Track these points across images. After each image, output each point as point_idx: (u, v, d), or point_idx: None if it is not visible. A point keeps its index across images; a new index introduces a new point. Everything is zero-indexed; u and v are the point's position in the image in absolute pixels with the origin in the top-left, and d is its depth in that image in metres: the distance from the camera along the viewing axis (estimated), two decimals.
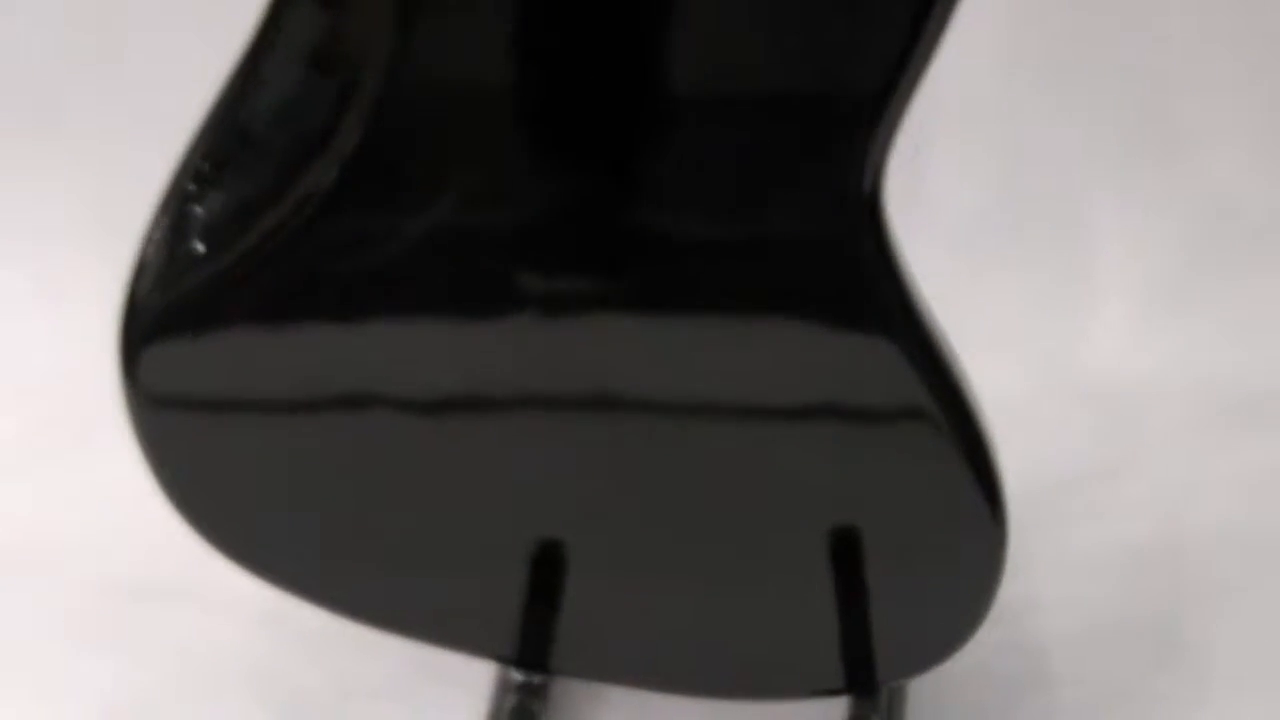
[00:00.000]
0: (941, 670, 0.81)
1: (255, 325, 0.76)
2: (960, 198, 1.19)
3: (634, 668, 0.84)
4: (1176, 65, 1.19)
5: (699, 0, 0.72)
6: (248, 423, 0.78)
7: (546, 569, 0.80)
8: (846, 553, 0.78)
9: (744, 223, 0.74)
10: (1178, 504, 1.02)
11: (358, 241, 0.75)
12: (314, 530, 0.81)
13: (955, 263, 1.14)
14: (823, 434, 0.77)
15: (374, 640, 0.85)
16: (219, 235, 0.76)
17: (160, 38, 1.16)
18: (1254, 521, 1.01)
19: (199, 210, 0.76)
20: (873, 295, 0.74)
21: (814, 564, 0.78)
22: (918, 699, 0.90)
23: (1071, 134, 1.19)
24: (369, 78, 0.73)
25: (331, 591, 0.83)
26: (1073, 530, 0.99)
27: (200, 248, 0.76)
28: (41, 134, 1.18)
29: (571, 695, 0.91)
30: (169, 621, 0.95)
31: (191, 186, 0.76)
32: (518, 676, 0.90)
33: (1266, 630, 0.94)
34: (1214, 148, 1.19)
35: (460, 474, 0.78)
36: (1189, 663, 0.93)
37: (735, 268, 0.75)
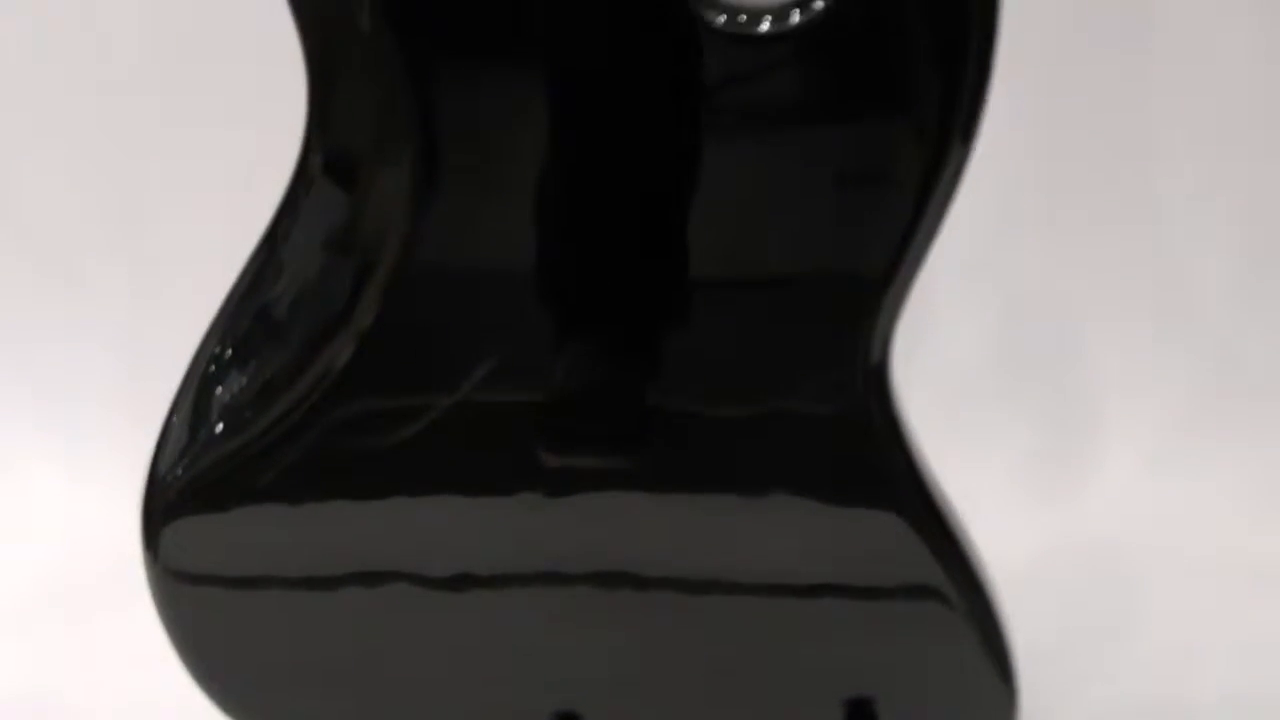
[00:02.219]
0: None
1: (274, 502, 0.77)
2: (960, 352, 1.19)
3: None
4: (1178, 219, 1.19)
5: (710, 186, 0.73)
6: (268, 597, 0.78)
7: None
8: None
9: (754, 400, 0.75)
10: (1182, 666, 1.02)
11: (375, 418, 0.76)
12: (335, 703, 0.81)
13: (956, 419, 1.15)
14: (835, 608, 0.77)
15: None
16: (239, 414, 0.77)
17: (184, 212, 1.18)
18: (1258, 686, 1.00)
19: (220, 390, 0.77)
20: (881, 469, 0.75)
21: None
22: None
23: (1072, 287, 1.19)
24: (386, 258, 0.74)
25: None
26: (1079, 691, 0.99)
27: (221, 427, 0.77)
28: (70, 298, 1.19)
29: None
30: None
31: (212, 368, 0.77)
32: None
33: None
34: (1215, 303, 1.19)
35: (479, 647, 0.79)
36: None
37: (746, 444, 0.76)
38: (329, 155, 0.75)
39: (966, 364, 1.19)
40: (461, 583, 0.78)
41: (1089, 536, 1.12)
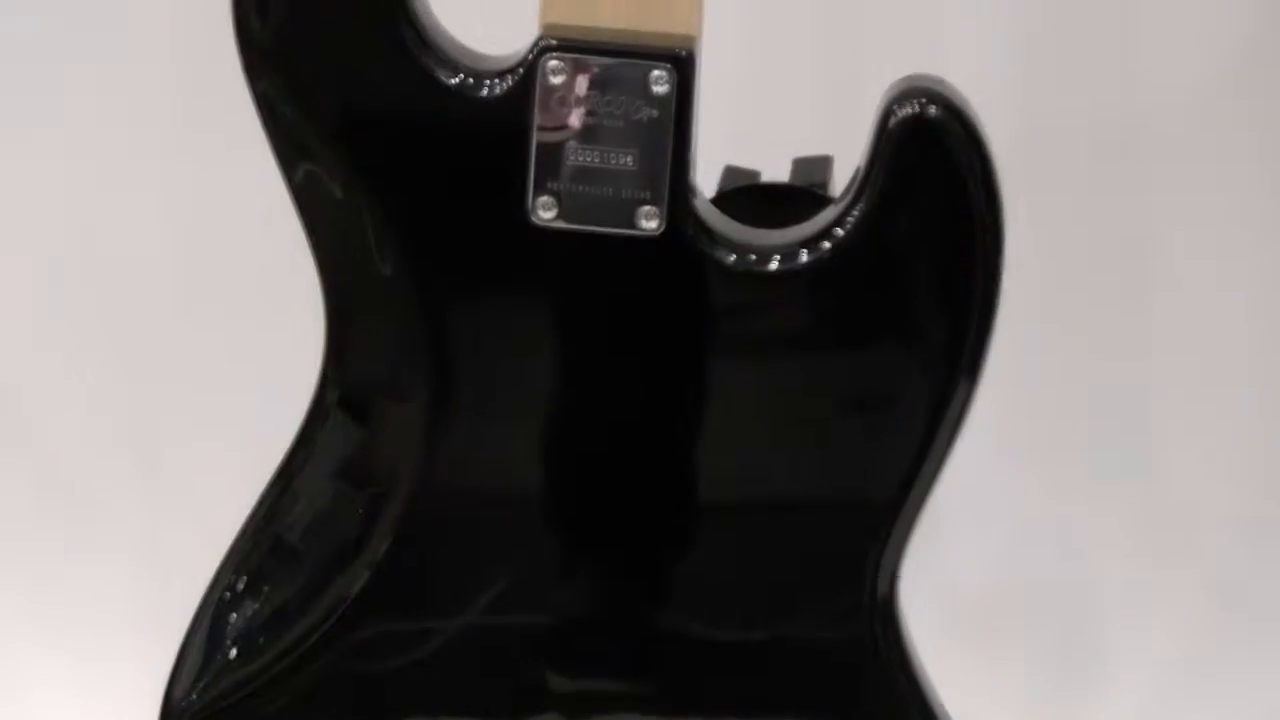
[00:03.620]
0: None
1: None
2: (965, 582, 1.18)
3: None
4: (1179, 447, 1.19)
5: (717, 414, 0.74)
6: None
7: None
8: None
9: (761, 627, 0.75)
10: None
11: (386, 643, 0.76)
12: None
13: (959, 651, 1.12)
14: None
15: None
16: (253, 641, 0.77)
17: (198, 447, 1.18)
18: None
19: (234, 617, 0.77)
20: (889, 699, 0.75)
21: None
22: None
23: (1075, 517, 1.19)
24: (400, 490, 0.74)
25: None
26: None
27: (235, 653, 0.77)
28: (86, 529, 1.17)
29: None
30: None
31: (227, 595, 0.77)
32: None
33: None
34: (1216, 531, 1.19)
35: None
36: None
37: (752, 670, 0.75)
38: (345, 390, 0.76)
39: (971, 593, 1.17)
40: None
41: None
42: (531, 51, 0.71)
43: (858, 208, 0.71)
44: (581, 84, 0.71)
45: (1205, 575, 1.18)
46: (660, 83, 0.71)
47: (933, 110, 0.70)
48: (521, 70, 0.71)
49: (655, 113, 0.71)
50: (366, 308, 0.74)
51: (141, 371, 1.18)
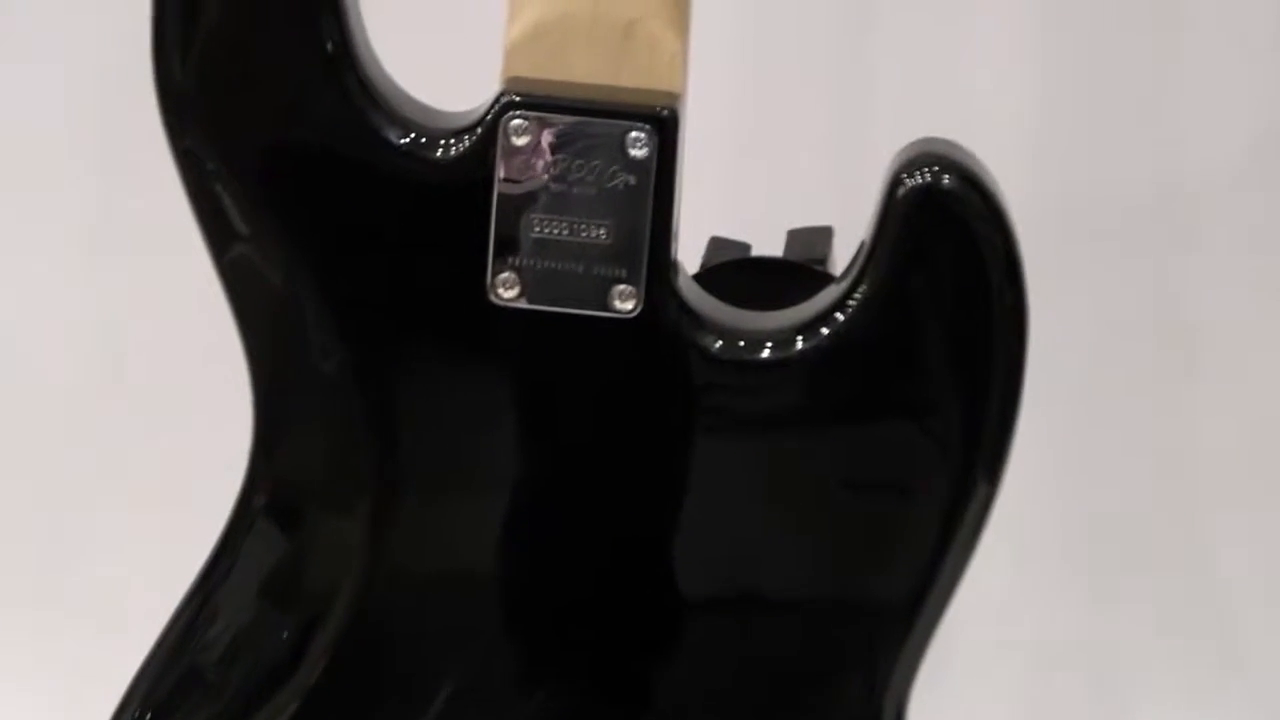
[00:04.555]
0: None
1: None
2: (987, 711, 1.17)
3: None
4: (1215, 567, 1.18)
5: (704, 518, 0.72)
6: None
7: None
8: None
9: None
10: None
11: None
12: None
13: None
14: None
15: None
16: None
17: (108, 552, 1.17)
18: None
19: None
20: None
21: None
22: None
23: (1106, 630, 1.18)
24: (336, 607, 0.72)
25: None
26: None
27: None
28: None
29: None
30: None
31: None
32: None
33: None
34: (1254, 656, 1.18)
35: None
36: None
37: None
38: (274, 493, 0.74)
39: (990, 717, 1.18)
40: None
41: None
42: (493, 108, 0.69)
43: (861, 288, 0.70)
44: (549, 145, 0.69)
45: (1242, 698, 1.17)
46: (638, 145, 0.69)
47: (946, 179, 0.69)
48: (481, 129, 0.69)
49: (632, 179, 0.69)
50: (302, 400, 0.72)
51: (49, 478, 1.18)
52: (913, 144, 0.71)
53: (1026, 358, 0.70)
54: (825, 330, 0.70)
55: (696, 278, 0.75)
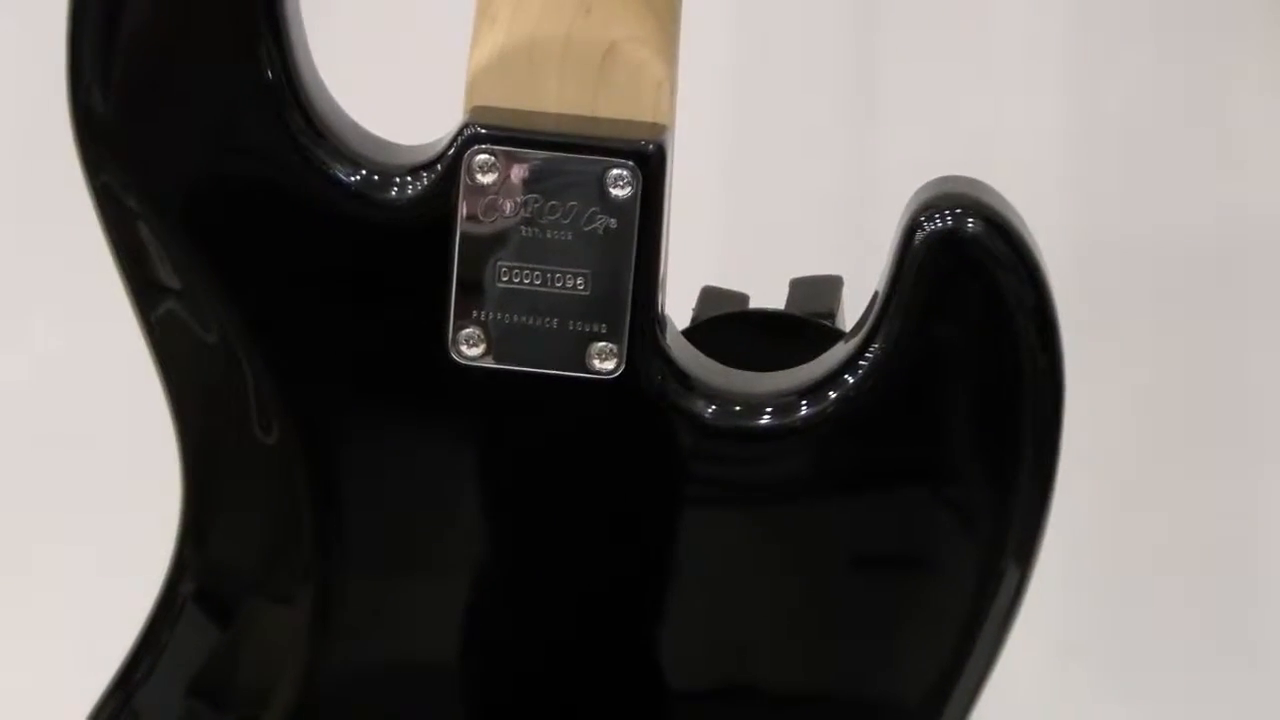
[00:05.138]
0: None
1: None
2: None
3: None
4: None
5: (697, 605, 0.71)
6: None
7: None
8: None
9: None
10: None
11: None
12: None
13: None
14: None
15: None
16: None
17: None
18: None
19: None
20: None
21: None
22: None
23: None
24: (274, 709, 0.71)
25: None
26: None
27: None
28: None
29: None
30: None
31: None
32: None
33: None
34: None
35: None
36: None
37: None
38: (205, 580, 0.73)
39: None
40: None
41: None
42: (454, 142, 0.68)
43: (874, 346, 0.69)
44: (519, 184, 0.68)
45: None
46: (621, 184, 0.68)
47: (970, 223, 0.68)
48: (441, 166, 0.68)
49: (613, 222, 0.68)
50: (238, 476, 0.72)
51: None
52: (932, 182, 0.70)
53: (1062, 425, 0.69)
54: (833, 394, 0.69)
55: (686, 333, 0.74)
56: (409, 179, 0.68)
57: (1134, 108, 1.15)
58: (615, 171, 0.68)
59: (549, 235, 0.68)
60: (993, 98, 1.15)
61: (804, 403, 0.69)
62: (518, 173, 0.68)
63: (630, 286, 0.68)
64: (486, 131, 0.67)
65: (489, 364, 0.69)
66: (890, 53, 1.14)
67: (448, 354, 0.69)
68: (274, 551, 0.72)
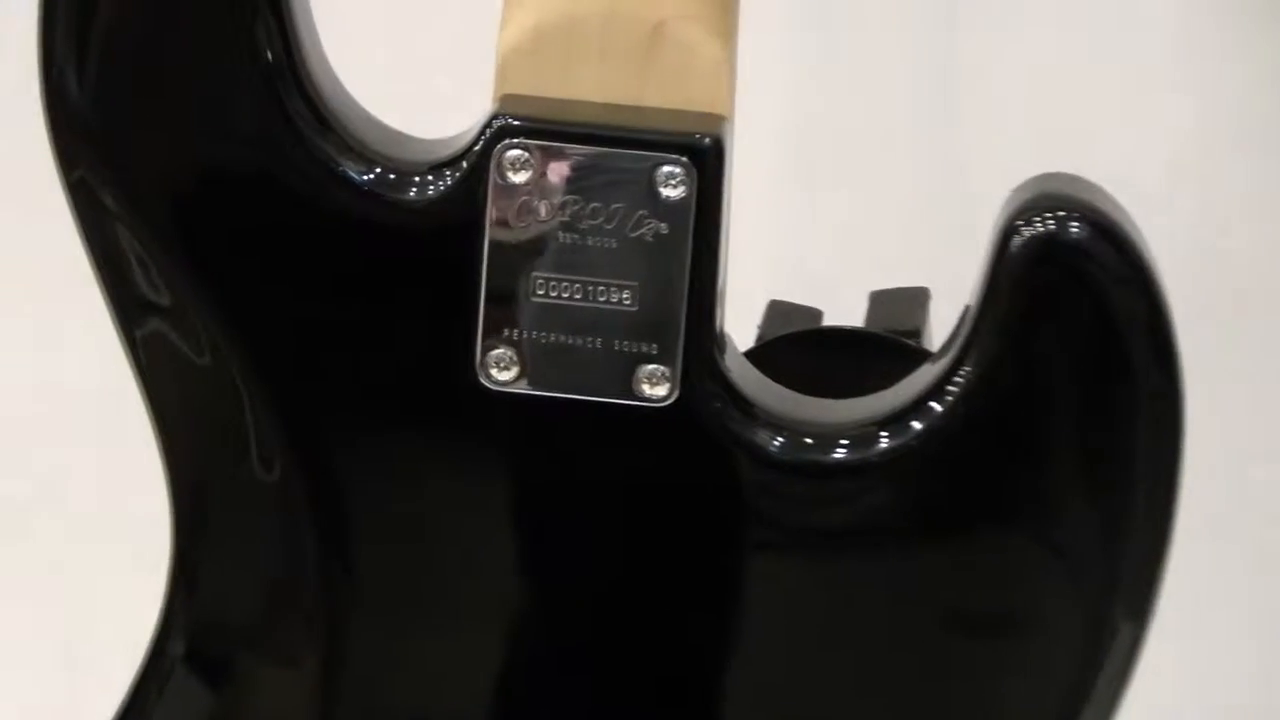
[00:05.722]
0: None
1: None
2: None
3: None
4: None
5: (756, 661, 0.70)
6: None
7: None
8: None
9: None
10: None
11: None
12: None
13: None
14: None
15: None
16: None
17: None
18: None
19: None
20: None
21: None
22: None
23: None
24: None
25: None
26: None
27: None
28: None
29: None
30: None
31: None
32: None
33: None
34: None
35: None
36: None
37: None
38: (196, 638, 0.72)
39: None
40: None
41: None
42: (482, 135, 0.66)
43: (965, 369, 0.68)
44: (555, 183, 0.66)
45: None
46: (672, 183, 0.66)
47: (1074, 227, 0.66)
48: (467, 162, 0.66)
49: (664, 226, 0.67)
50: (234, 517, 0.71)
51: None
52: (1031, 181, 0.68)
53: (1183, 458, 0.68)
54: (918, 424, 0.68)
55: (749, 354, 0.73)
56: (429, 177, 0.67)
57: (1253, 100, 1.13)
58: (666, 169, 0.66)
59: (590, 242, 0.67)
60: (1100, 79, 1.13)
61: (884, 434, 0.68)
62: (554, 170, 0.66)
63: (684, 300, 0.67)
64: (519, 123, 0.66)
65: (522, 389, 0.68)
66: (977, 27, 1.11)
67: (475, 378, 0.67)
68: (276, 604, 0.71)
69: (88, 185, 0.68)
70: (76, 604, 1.21)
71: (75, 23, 0.66)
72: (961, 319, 0.68)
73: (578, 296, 0.67)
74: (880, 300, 0.84)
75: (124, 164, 0.68)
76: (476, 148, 0.66)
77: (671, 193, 0.66)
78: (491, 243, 0.66)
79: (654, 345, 0.67)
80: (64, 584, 1.22)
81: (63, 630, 1.21)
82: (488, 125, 0.66)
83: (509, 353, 0.67)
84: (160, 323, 0.69)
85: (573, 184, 0.66)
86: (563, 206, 0.66)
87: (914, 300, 0.83)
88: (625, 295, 0.67)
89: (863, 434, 0.68)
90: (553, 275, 0.67)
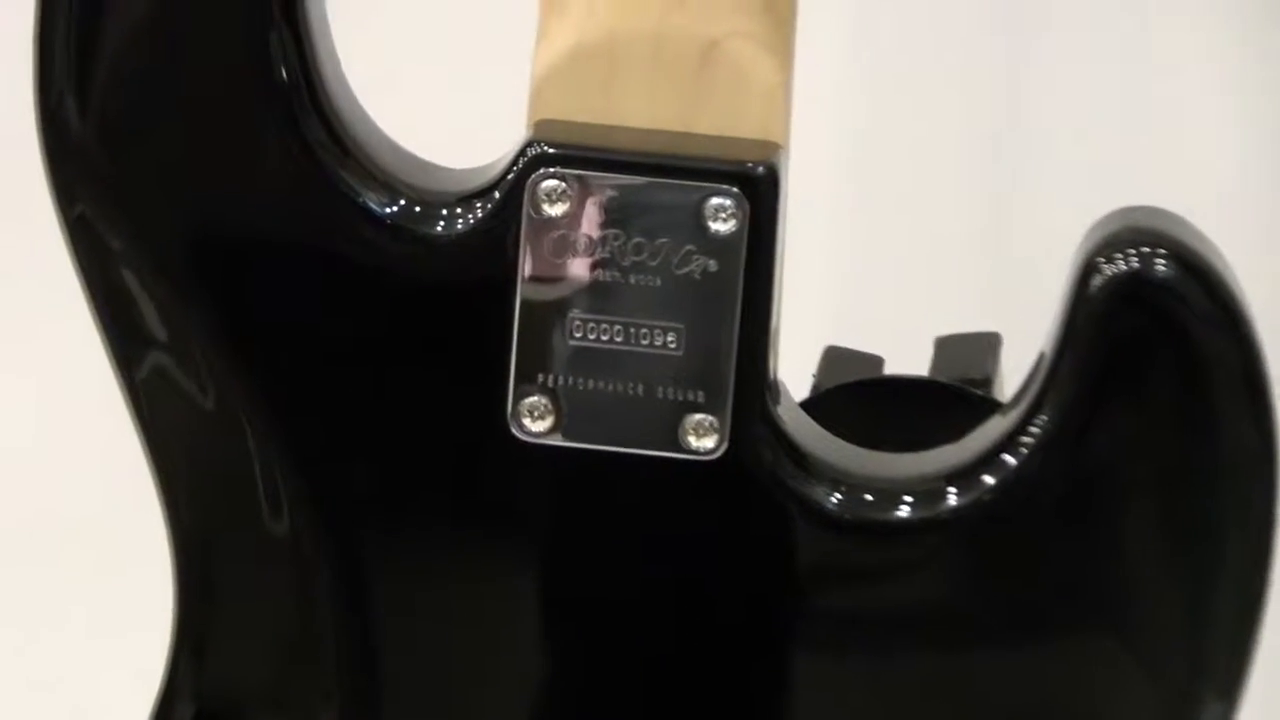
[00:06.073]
0: None
1: None
2: None
3: None
4: None
5: (809, 716, 0.69)
6: None
7: None
8: None
9: None
10: None
11: None
12: None
13: None
14: None
15: None
16: None
17: None
18: None
19: None
20: None
21: None
22: None
23: None
24: None
25: None
26: None
27: None
28: None
29: None
30: None
31: None
32: None
33: None
34: None
35: None
36: None
37: None
38: (204, 704, 0.71)
39: None
40: None
41: None
42: (515, 164, 0.65)
43: (1040, 420, 0.66)
44: (595, 217, 0.65)
45: None
46: (722, 216, 0.65)
47: (1160, 265, 0.64)
48: (498, 194, 0.65)
49: (713, 263, 0.65)
50: (243, 575, 0.70)
51: None
52: (1112, 215, 0.66)
53: (1279, 521, 0.66)
54: (989, 479, 0.66)
55: (805, 405, 0.71)
56: (458, 209, 0.66)
57: None
58: (716, 201, 0.65)
59: (632, 280, 0.65)
60: (1182, 108, 1.10)
61: (952, 490, 0.66)
62: (594, 202, 0.65)
63: (734, 344, 0.66)
64: (555, 151, 0.65)
65: (558, 441, 0.66)
66: (1045, 53, 1.09)
67: (507, 428, 0.66)
68: (289, 667, 0.70)
69: (89, 223, 0.67)
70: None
71: (76, 43, 0.65)
72: (1036, 365, 0.67)
73: (618, 339, 0.66)
74: (947, 346, 0.83)
75: (132, 203, 0.67)
76: (509, 177, 0.64)
77: (721, 227, 0.65)
78: (525, 281, 0.65)
79: (701, 393, 0.66)
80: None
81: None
82: (521, 153, 0.64)
83: (543, 400, 0.66)
84: (160, 359, 0.68)
85: (614, 217, 0.64)
86: (603, 241, 0.65)
87: (984, 346, 0.82)
88: (670, 338, 0.66)
89: (929, 490, 0.66)
90: (591, 316, 0.65)
